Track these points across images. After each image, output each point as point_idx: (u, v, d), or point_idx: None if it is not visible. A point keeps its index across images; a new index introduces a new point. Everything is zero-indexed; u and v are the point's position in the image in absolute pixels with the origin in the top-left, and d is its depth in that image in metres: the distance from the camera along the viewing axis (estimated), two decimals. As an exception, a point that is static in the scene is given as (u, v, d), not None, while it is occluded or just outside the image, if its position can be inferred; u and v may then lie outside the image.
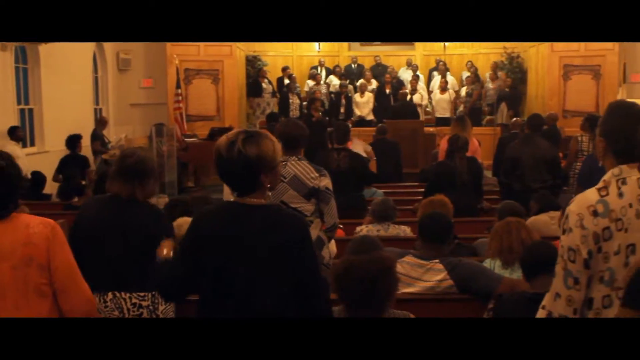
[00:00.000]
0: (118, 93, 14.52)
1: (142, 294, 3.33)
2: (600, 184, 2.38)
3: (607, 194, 2.32)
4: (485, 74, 16.57)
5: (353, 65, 17.50)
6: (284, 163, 4.49)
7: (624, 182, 2.33)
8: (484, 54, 17.37)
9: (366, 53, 18.13)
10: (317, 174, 4.48)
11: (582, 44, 14.65)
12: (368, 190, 7.49)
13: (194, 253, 2.57)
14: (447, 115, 15.10)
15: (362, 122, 15.24)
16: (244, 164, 2.55)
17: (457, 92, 16.18)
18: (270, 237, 2.49)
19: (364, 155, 7.95)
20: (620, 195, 2.31)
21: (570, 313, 2.32)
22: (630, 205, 2.30)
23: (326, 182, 4.51)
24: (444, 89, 15.64)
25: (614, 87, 14.42)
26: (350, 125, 10.55)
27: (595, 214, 2.29)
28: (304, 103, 15.42)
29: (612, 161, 2.42)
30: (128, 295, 3.32)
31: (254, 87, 15.77)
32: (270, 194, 4.36)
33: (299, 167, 4.47)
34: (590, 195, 2.35)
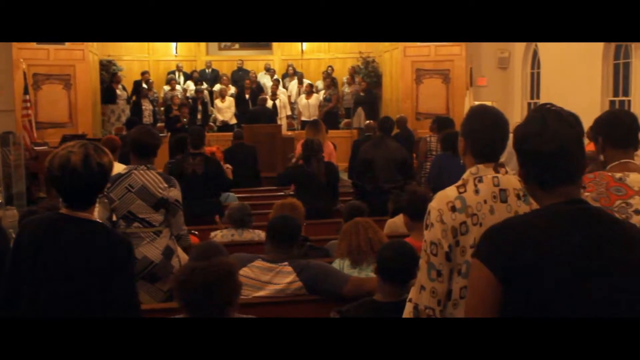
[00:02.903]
0: (-41, 100, 13.62)
1: None
2: (459, 182, 2.51)
3: (465, 191, 2.45)
4: (343, 78, 16.94)
5: (207, 70, 17.35)
6: (129, 172, 4.38)
7: (480, 180, 2.46)
8: (340, 59, 17.74)
9: (224, 57, 18.02)
10: (166, 185, 4.41)
11: (433, 49, 15.28)
12: (222, 195, 7.43)
13: (19, 262, 2.57)
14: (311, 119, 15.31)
15: (225, 127, 15.14)
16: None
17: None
18: (92, 252, 2.49)
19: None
20: (477, 192, 2.44)
21: (435, 304, 2.41)
22: (485, 202, 2.43)
23: (175, 193, 4.45)
24: (309, 93, 15.81)
25: (462, 90, 15.12)
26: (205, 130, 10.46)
27: (453, 209, 2.41)
28: (162, 109, 15.16)
29: (471, 160, 2.55)
30: None
31: (108, 93, 15.26)
32: (117, 203, 4.28)
33: (147, 177, 4.38)
34: (450, 192, 2.47)
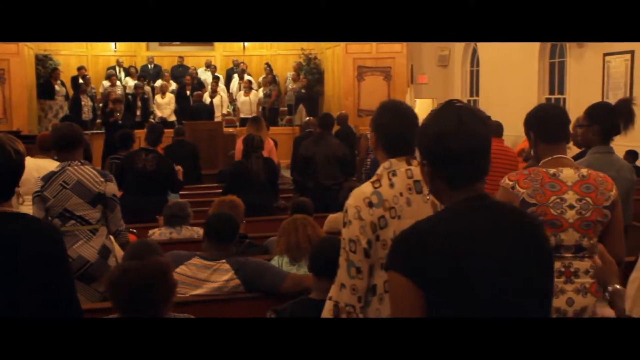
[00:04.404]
0: None
1: None
2: (374, 178, 2.52)
3: (380, 186, 2.46)
4: (286, 74, 16.93)
5: (150, 66, 17.13)
6: (63, 169, 4.28)
7: (394, 174, 2.48)
8: (282, 55, 17.74)
9: (165, 53, 17.84)
10: (102, 179, 4.32)
11: (374, 46, 15.40)
12: (164, 193, 7.34)
13: None
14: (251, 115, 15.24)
15: (164, 123, 14.92)
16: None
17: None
18: (25, 247, 2.37)
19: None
20: (392, 185, 2.45)
21: (356, 301, 2.42)
22: (401, 194, 2.45)
23: (112, 187, 4.38)
24: (247, 89, 15.75)
25: (403, 87, 15.29)
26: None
27: (370, 204, 2.41)
28: (101, 104, 14.88)
29: (382, 155, 2.57)
30: None
31: (45, 88, 14.91)
32: (52, 201, 4.18)
33: (82, 172, 4.28)
34: (365, 188, 2.47)
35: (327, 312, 2.52)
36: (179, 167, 7.24)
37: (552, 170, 2.93)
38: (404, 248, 1.82)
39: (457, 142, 1.81)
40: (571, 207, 2.87)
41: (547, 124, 3.04)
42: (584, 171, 2.96)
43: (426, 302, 1.77)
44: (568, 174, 2.93)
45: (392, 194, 2.44)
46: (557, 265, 2.84)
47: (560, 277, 2.86)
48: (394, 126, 2.54)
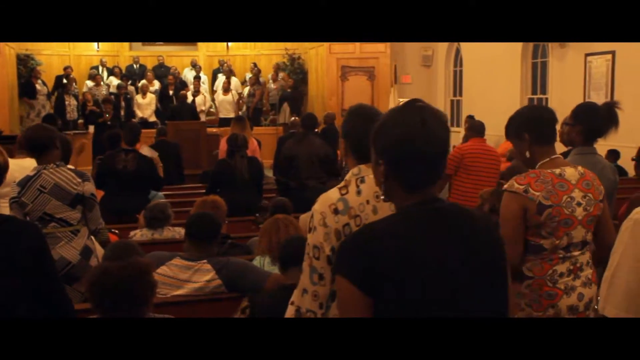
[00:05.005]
0: None
1: None
2: (342, 183, 2.45)
3: (347, 192, 2.39)
4: (268, 74, 16.91)
5: (135, 66, 17.05)
6: (39, 173, 4.23)
7: (362, 181, 2.41)
8: (266, 55, 17.72)
9: (148, 53, 17.76)
10: (80, 180, 4.29)
11: (358, 46, 15.41)
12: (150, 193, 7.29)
13: None
14: (231, 115, 15.18)
15: (144, 124, 14.85)
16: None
17: (240, 93, 16.34)
18: (10, 247, 2.35)
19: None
20: (359, 193, 2.38)
21: (317, 307, 2.36)
22: (368, 202, 2.37)
23: (90, 187, 4.35)
24: (226, 89, 15.72)
25: (386, 87, 15.31)
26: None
27: (336, 211, 2.34)
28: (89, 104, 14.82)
29: (352, 161, 2.51)
30: None
31: (26, 88, 14.82)
32: (31, 206, 4.14)
33: (59, 175, 4.24)
34: (332, 194, 2.41)
35: (288, 316, 2.48)
36: (156, 157, 7.20)
37: (557, 170, 2.96)
38: (350, 252, 1.78)
39: (420, 144, 1.77)
40: (579, 204, 2.92)
41: (543, 127, 3.05)
42: (580, 168, 3.02)
43: (374, 306, 1.74)
44: (571, 172, 2.97)
45: (358, 202, 2.37)
46: (567, 264, 2.92)
47: (569, 275, 2.92)
48: (364, 132, 2.39)
